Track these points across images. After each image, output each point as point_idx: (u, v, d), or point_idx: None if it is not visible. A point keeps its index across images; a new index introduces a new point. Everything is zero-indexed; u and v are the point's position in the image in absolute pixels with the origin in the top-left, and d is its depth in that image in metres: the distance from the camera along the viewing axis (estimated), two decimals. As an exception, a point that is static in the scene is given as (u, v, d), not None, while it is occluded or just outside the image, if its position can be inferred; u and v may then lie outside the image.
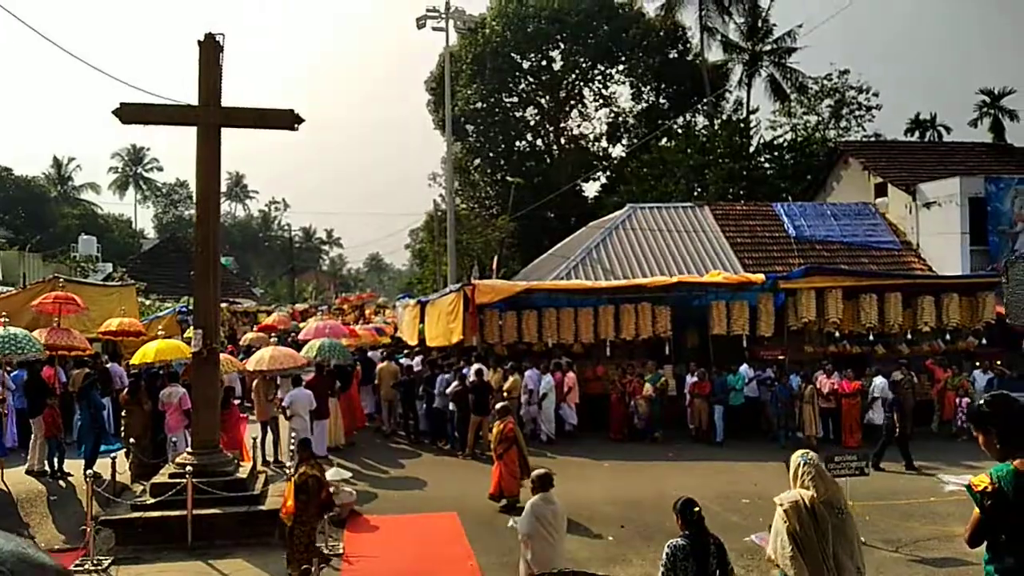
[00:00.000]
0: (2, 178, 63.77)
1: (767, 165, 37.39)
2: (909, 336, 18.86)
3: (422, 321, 20.25)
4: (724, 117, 42.77)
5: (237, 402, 15.99)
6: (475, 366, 16.48)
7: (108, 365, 17.26)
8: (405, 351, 21.96)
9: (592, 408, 17.64)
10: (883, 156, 29.46)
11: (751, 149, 37.15)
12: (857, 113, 40.67)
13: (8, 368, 15.26)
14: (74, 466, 13.09)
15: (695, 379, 17.27)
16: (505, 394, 16.78)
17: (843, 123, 40.52)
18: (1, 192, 61.23)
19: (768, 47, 43.51)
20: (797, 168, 35.95)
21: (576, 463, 14.95)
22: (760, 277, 18.36)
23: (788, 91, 43.01)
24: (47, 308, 15.18)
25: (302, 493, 8.36)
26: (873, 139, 38.00)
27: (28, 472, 13.00)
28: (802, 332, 18.51)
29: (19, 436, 15.19)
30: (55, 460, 13.05)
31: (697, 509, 5.69)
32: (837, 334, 18.59)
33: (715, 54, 45.15)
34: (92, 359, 17.08)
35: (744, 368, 17.60)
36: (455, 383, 16.33)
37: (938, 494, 12.59)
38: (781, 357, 18.25)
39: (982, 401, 4.28)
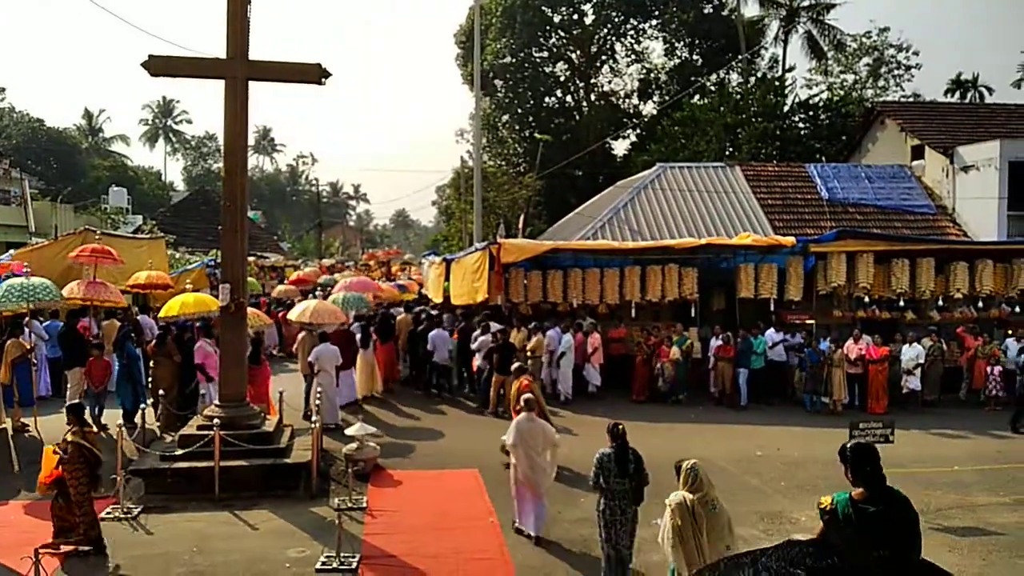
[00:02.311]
0: (34, 129, 64.39)
1: (801, 125, 36.66)
2: (940, 302, 18.58)
3: (447, 279, 20.26)
4: (759, 75, 41.88)
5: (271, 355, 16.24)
6: (496, 325, 16.68)
7: (138, 317, 17.52)
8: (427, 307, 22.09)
9: (615, 369, 17.63)
10: (921, 117, 28.70)
11: (785, 108, 36.39)
12: (896, 72, 39.76)
13: (41, 319, 15.57)
14: (109, 416, 13.37)
15: (720, 342, 17.16)
16: (528, 353, 16.89)
17: (881, 83, 39.61)
18: (33, 143, 61.84)
19: (806, 2, 42.36)
20: (832, 129, 35.20)
21: (597, 423, 14.91)
22: (790, 240, 18.10)
23: (825, 49, 41.99)
24: (85, 260, 15.39)
25: (67, 462, 8.29)
26: (911, 99, 37.11)
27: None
28: (831, 296, 18.28)
29: (52, 385, 15.54)
30: (96, 411, 13.33)
31: (621, 428, 7.82)
32: (867, 299, 18.34)
33: (751, 9, 44.20)
34: (123, 311, 17.34)
35: (770, 332, 17.45)
36: (482, 338, 16.52)
37: (962, 462, 12.49)
38: (809, 321, 18.07)
39: (848, 446, 5.17)
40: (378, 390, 17.37)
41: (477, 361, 16.81)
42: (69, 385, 13.91)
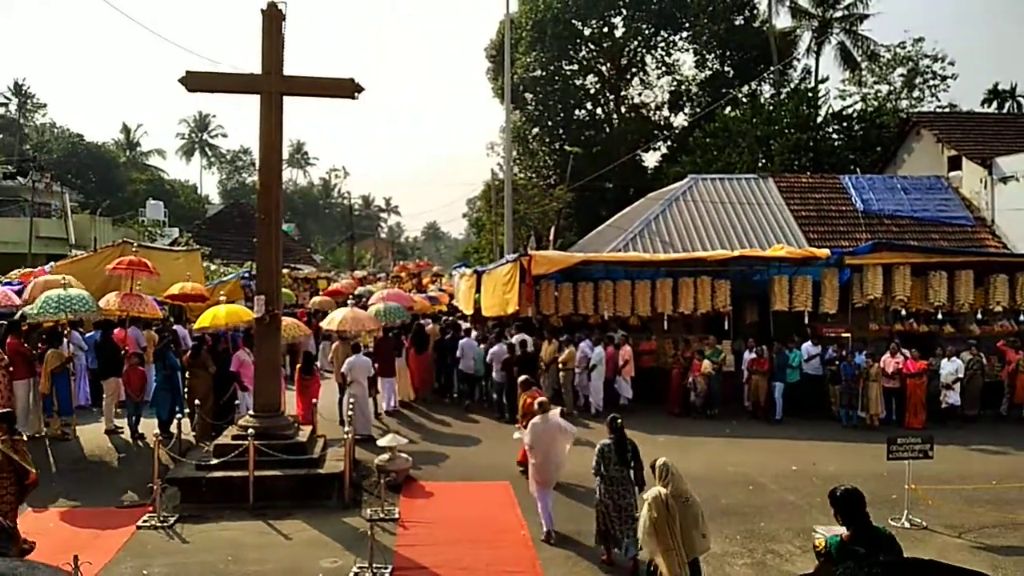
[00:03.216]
0: (74, 144, 65.85)
1: (835, 136, 36.23)
2: (980, 315, 18.22)
3: (478, 291, 20.30)
4: (791, 86, 41.53)
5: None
6: (518, 336, 16.96)
7: (175, 328, 17.77)
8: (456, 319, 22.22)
9: (646, 382, 17.51)
10: (958, 128, 28.24)
11: (819, 119, 36.00)
12: (931, 83, 39.16)
13: (81, 330, 15.87)
14: (146, 426, 13.57)
15: (754, 355, 16.97)
16: (560, 366, 16.88)
17: (916, 93, 39.04)
18: (73, 158, 63.19)
19: (839, 13, 41.99)
20: (866, 140, 34.75)
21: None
22: (825, 252, 17.87)
23: (859, 59, 41.55)
24: (121, 272, 15.65)
25: None
26: (948, 110, 36.54)
27: (106, 432, 13.53)
28: (867, 309, 18.00)
29: (92, 395, 15.81)
30: (134, 420, 13.54)
31: (619, 421, 8.78)
32: (904, 312, 18.04)
33: (783, 20, 43.89)
34: (161, 322, 17.60)
35: (806, 345, 17.22)
36: (495, 348, 16.77)
37: (1003, 479, 12.20)
38: (845, 335, 17.81)
39: (837, 492, 5.51)
40: (410, 397, 17.74)
41: (494, 373, 16.87)
42: (105, 395, 14.13)
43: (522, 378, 12.83)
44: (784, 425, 16.30)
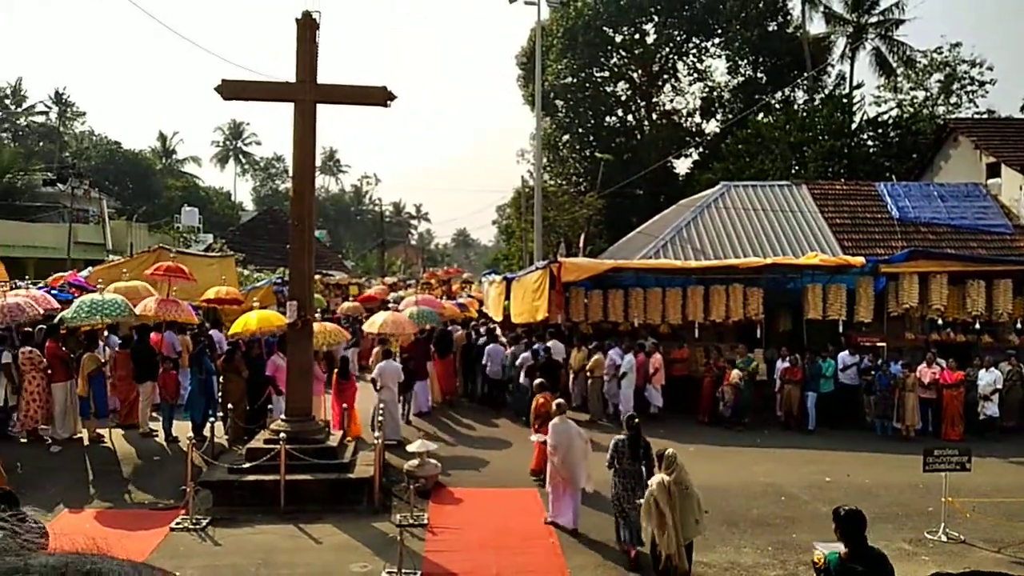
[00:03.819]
0: (112, 152, 67.10)
1: (870, 143, 35.76)
2: (1019, 325, 17.84)
3: (507, 298, 20.31)
4: (825, 92, 41.09)
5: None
6: (551, 343, 17.16)
7: (210, 332, 17.98)
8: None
9: (677, 391, 17.37)
10: (997, 134, 27.69)
11: (853, 126, 35.56)
12: (969, 88, 38.50)
13: (119, 334, 16.12)
14: (179, 429, 13.74)
15: (787, 364, 16.78)
16: (588, 373, 16.84)
17: (953, 99, 38.42)
18: (111, 165, 64.35)
19: (874, 19, 41.46)
20: (902, 146, 34.25)
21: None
22: (860, 260, 17.62)
23: (894, 65, 40.97)
24: (158, 277, 15.90)
25: None
26: (986, 116, 35.88)
27: (141, 434, 13.73)
28: (902, 318, 17.72)
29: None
30: (168, 423, 13.74)
31: (636, 420, 9.48)
32: (940, 321, 17.72)
33: (817, 26, 43.45)
34: (197, 327, 17.84)
35: (843, 355, 16.98)
36: (523, 355, 16.85)
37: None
38: (880, 344, 17.54)
39: (841, 512, 5.68)
40: (437, 401, 18.02)
41: (522, 379, 16.89)
42: (141, 398, 14.33)
43: (537, 381, 12.98)
44: (817, 436, 16.06)
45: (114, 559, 0.79)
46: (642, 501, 8.03)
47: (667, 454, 7.99)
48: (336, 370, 14.82)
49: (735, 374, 16.54)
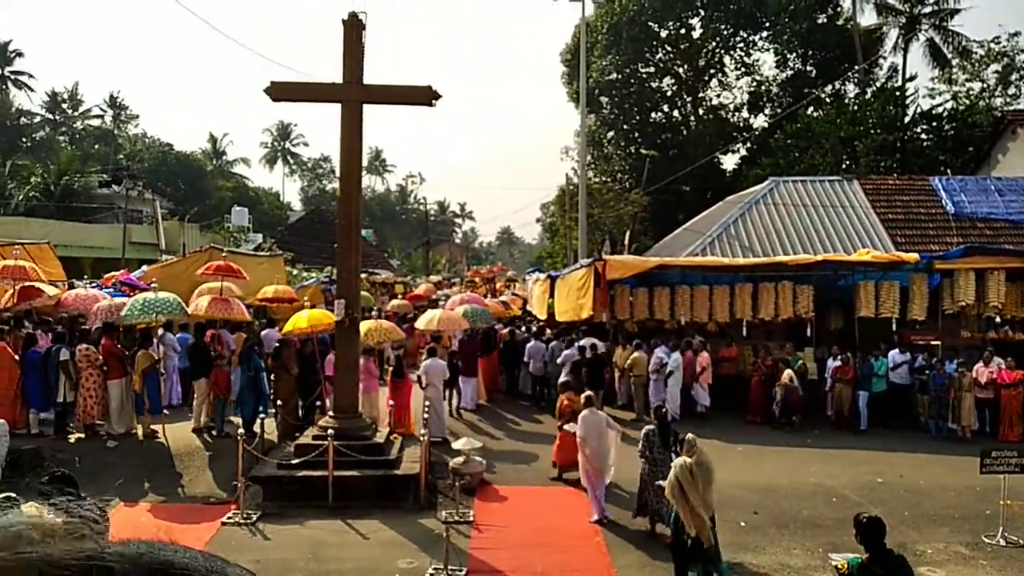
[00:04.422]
0: (164, 153, 68.65)
1: (924, 136, 34.84)
2: (1082, 323, 17.24)
3: (552, 296, 20.25)
4: (877, 85, 40.11)
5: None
6: (587, 340, 17.07)
7: (264, 332, 18.27)
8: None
9: (724, 390, 17.15)
10: (1059, 125, 26.81)
11: (906, 119, 34.68)
12: (1028, 79, 37.22)
13: (173, 331, 16.50)
14: (230, 425, 14.02)
15: (838, 363, 16.44)
16: (629, 371, 16.76)
17: (1011, 90, 37.16)
18: (163, 167, 65.85)
19: (928, 9, 40.34)
20: (958, 139, 33.30)
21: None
22: (913, 256, 17.19)
23: (949, 56, 39.80)
24: (210, 276, 16.23)
25: None
26: (1047, 107, 34.70)
27: (194, 431, 14.04)
28: (958, 316, 17.23)
29: (182, 394, 16.43)
30: (220, 419, 14.03)
31: (665, 410, 10.17)
32: (998, 319, 17.20)
33: (868, 18, 42.42)
34: (248, 325, 18.16)
35: (893, 353, 16.60)
36: (567, 352, 16.85)
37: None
38: (935, 342, 17.10)
39: (863, 519, 5.98)
40: (483, 398, 18.18)
41: (563, 376, 16.86)
42: (196, 395, 14.65)
43: (561, 380, 12.99)
44: (869, 436, 15.71)
45: (188, 549, 0.80)
46: (664, 483, 8.30)
47: (687, 438, 8.33)
48: (391, 368, 15.00)
49: (787, 373, 16.26)
